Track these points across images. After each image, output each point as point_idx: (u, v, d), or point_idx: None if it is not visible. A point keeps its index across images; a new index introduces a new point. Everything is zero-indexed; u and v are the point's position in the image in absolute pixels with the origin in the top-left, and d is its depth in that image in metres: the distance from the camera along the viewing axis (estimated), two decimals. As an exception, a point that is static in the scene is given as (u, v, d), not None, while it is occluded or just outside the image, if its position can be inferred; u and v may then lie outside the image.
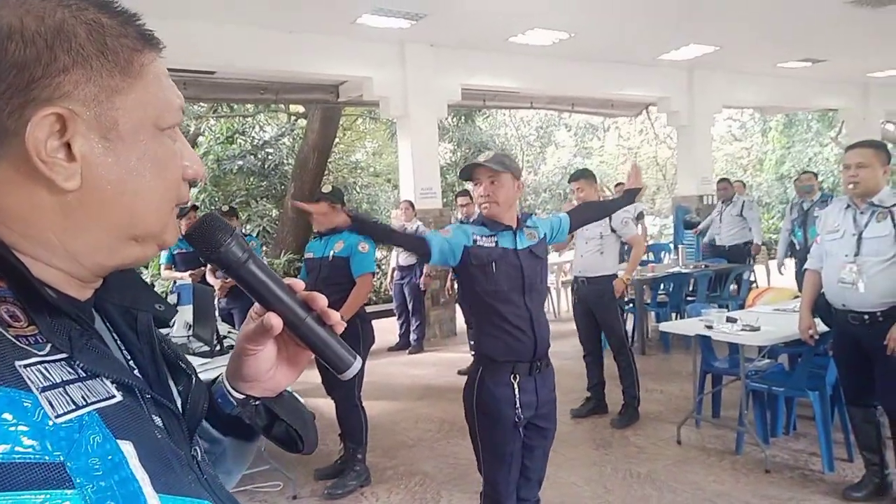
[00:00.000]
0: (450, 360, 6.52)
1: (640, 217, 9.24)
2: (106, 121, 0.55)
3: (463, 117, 13.58)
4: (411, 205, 7.17)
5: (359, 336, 3.66)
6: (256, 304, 0.71)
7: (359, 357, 0.72)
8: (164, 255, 6.02)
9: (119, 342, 0.65)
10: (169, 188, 0.61)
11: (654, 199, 20.21)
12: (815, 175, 7.50)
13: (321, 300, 0.71)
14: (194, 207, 5.98)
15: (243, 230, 6.92)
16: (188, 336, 4.13)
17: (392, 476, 3.90)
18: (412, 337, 7.21)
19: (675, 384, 5.44)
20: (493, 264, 2.38)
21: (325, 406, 4.65)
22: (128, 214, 0.57)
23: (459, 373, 6.11)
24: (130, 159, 0.57)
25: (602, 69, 8.89)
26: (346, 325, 2.73)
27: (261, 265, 0.69)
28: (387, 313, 8.03)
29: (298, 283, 0.71)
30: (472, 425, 2.48)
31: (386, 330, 7.27)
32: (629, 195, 3.09)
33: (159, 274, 7.51)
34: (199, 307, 4.08)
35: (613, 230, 4.69)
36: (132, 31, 0.58)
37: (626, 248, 5.50)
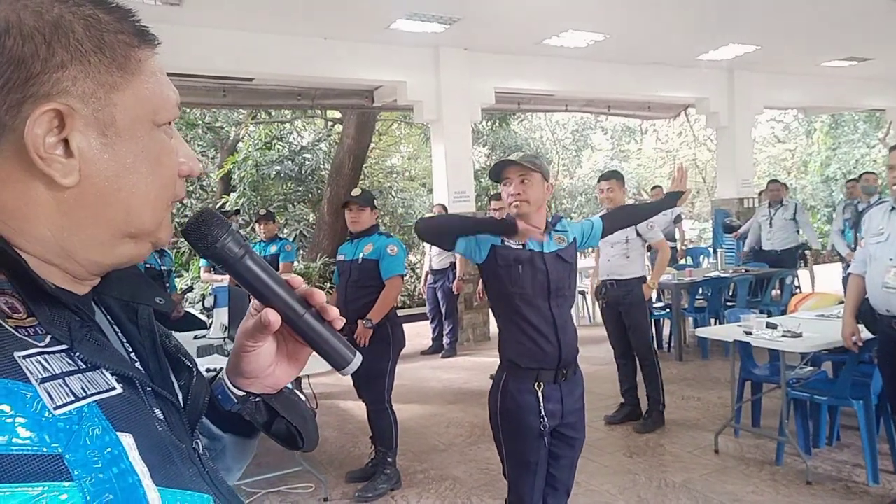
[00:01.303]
0: (482, 364, 6.48)
1: (678, 220, 9.08)
2: (104, 117, 0.55)
3: (497, 121, 13.56)
4: (445, 208, 7.18)
5: (389, 339, 3.67)
6: (255, 301, 0.70)
7: (359, 354, 0.71)
8: (203, 258, 6.15)
9: (120, 335, 0.65)
10: (165, 184, 0.60)
11: (693, 203, 19.86)
12: (878, 176, 7.26)
13: (319, 296, 0.70)
14: (236, 212, 6.08)
15: (280, 234, 7.00)
16: (224, 338, 4.21)
17: (422, 480, 3.89)
18: (445, 341, 7.20)
19: (713, 391, 5.31)
20: (520, 266, 2.33)
21: (356, 409, 4.68)
22: (124, 211, 0.57)
23: (491, 377, 6.06)
24: (128, 155, 0.57)
25: (638, 71, 8.77)
26: (375, 327, 2.73)
27: (258, 261, 0.68)
28: (420, 317, 8.04)
29: (296, 279, 0.71)
30: (496, 432, 2.45)
31: (419, 334, 7.29)
32: (670, 198, 2.91)
33: (199, 277, 7.68)
34: (235, 309, 4.15)
35: (639, 234, 4.62)
36: (128, 27, 0.58)
37: (650, 252, 5.40)
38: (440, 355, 7.13)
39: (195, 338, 4.29)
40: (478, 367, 6.49)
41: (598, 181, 4.76)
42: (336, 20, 6.42)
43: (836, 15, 7.00)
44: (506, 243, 2.37)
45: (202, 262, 6.21)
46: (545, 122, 17.45)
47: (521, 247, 2.37)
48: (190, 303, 7.38)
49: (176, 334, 0.76)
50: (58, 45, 0.53)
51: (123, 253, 0.60)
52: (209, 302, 4.72)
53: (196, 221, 0.66)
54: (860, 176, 7.38)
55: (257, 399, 0.77)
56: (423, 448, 4.38)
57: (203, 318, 5.49)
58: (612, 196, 4.54)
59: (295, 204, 11.82)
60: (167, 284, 5.33)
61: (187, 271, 10.08)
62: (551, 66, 8.17)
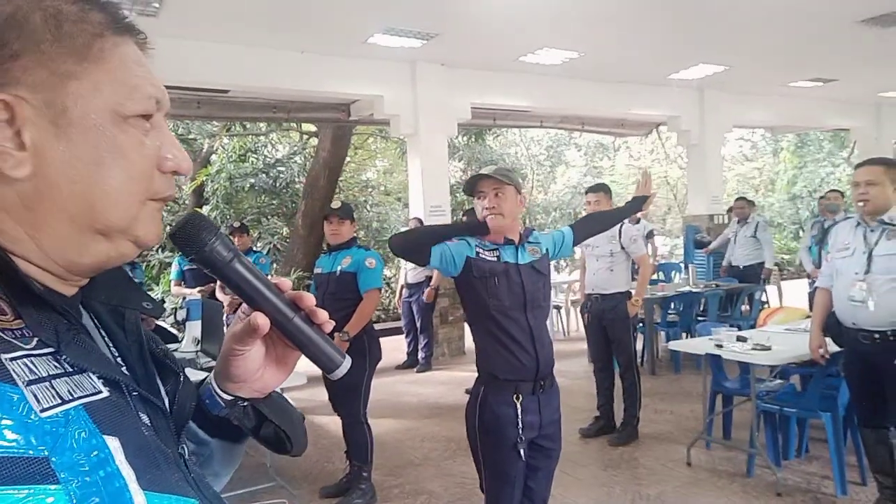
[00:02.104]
0: (458, 378, 6.47)
1: (650, 236, 9.21)
2: (56, 106, 0.54)
3: (473, 136, 13.65)
4: (420, 222, 7.19)
5: (365, 352, 3.65)
6: (244, 305, 0.70)
7: (348, 357, 0.71)
8: (173, 271, 6.06)
9: (107, 339, 0.64)
10: (133, 179, 0.58)
11: (664, 219, 20.15)
12: (842, 194, 7.45)
13: (309, 299, 0.70)
14: (244, 227, 6.00)
15: (254, 247, 6.94)
16: (196, 351, 4.15)
17: (398, 495, 3.87)
18: (420, 355, 7.18)
19: (685, 405, 5.37)
20: (496, 279, 2.35)
21: (331, 423, 4.63)
22: (85, 205, 0.55)
23: (467, 392, 6.06)
24: (84, 147, 0.55)
25: (612, 88, 8.93)
26: (351, 340, 2.72)
27: (247, 265, 0.68)
28: (395, 331, 8.01)
29: (285, 283, 0.71)
30: (473, 444, 2.45)
31: (395, 348, 7.25)
32: (636, 202, 2.97)
33: (169, 290, 7.57)
34: (207, 322, 4.10)
35: (623, 247, 4.67)
36: (97, 17, 0.57)
37: (636, 266, 5.47)
38: (415, 370, 7.10)
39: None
40: (453, 381, 6.48)
41: (586, 193, 4.80)
42: (313, 34, 6.43)
43: (803, 36, 7.21)
44: (481, 255, 2.39)
45: (172, 275, 6.13)
46: (520, 137, 17.59)
47: (495, 259, 2.39)
48: (161, 317, 7.27)
49: None
50: (11, 36, 0.52)
51: (99, 251, 0.58)
52: (181, 315, 4.66)
53: (184, 225, 0.66)
54: (826, 193, 7.57)
55: (245, 404, 0.76)
56: (399, 462, 4.36)
57: (175, 331, 5.41)
58: (598, 209, 4.59)
59: (269, 217, 11.72)
60: (138, 297, 5.23)
61: (157, 285, 9.92)
62: (527, 82, 8.27)
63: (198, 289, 5.59)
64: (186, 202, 12.44)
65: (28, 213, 0.54)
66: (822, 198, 8.05)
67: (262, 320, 0.67)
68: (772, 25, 6.74)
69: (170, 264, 8.12)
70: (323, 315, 0.70)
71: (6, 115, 0.52)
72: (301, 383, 3.36)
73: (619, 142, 18.53)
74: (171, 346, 4.34)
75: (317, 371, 0.74)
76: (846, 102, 11.21)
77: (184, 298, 5.72)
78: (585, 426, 4.76)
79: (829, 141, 17.41)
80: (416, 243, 2.47)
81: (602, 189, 4.70)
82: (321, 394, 4.04)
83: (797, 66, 8.69)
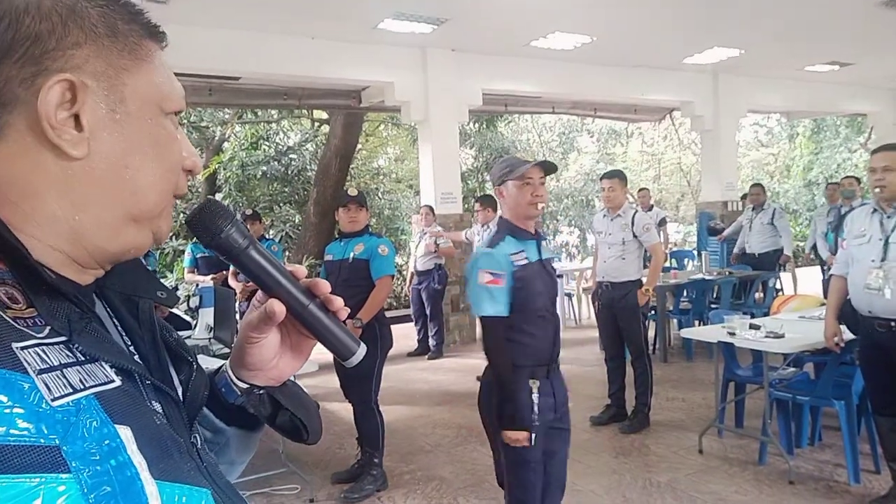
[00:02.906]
0: (469, 365, 6.49)
1: (662, 223, 9.15)
2: (114, 95, 0.57)
3: (485, 123, 13.58)
4: (431, 210, 7.19)
5: (377, 339, 3.65)
6: (259, 292, 0.71)
7: (363, 344, 0.71)
8: (187, 259, 6.10)
9: (119, 328, 0.65)
10: (169, 171, 0.62)
11: (678, 206, 20.00)
12: (858, 180, 7.35)
13: (324, 286, 0.70)
14: (256, 214, 6.03)
15: (266, 235, 6.96)
16: (209, 338, 4.18)
17: (409, 481, 3.89)
18: (431, 342, 7.20)
19: (697, 393, 5.35)
20: (536, 281, 2.38)
21: (342, 410, 4.66)
22: (130, 190, 0.58)
23: (478, 379, 6.07)
24: (135, 135, 0.58)
25: (624, 73, 8.84)
26: (363, 326, 2.73)
27: (262, 252, 0.68)
28: (406, 318, 8.03)
29: (301, 270, 0.71)
30: (492, 434, 2.45)
31: (406, 335, 7.28)
32: None
33: (183, 278, 7.62)
34: (220, 310, 4.13)
35: (636, 236, 4.64)
36: (139, 20, 0.61)
37: (648, 254, 5.44)
38: (427, 357, 7.12)
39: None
40: (465, 368, 6.50)
41: (601, 179, 4.79)
42: (323, 19, 6.41)
43: (820, 19, 7.09)
44: (515, 263, 2.37)
45: (186, 262, 6.17)
46: (532, 124, 17.50)
47: (526, 261, 2.39)
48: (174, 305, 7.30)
49: None
50: (73, 25, 0.55)
51: (127, 240, 0.60)
52: (194, 302, 4.69)
53: (200, 212, 0.66)
54: (841, 179, 7.48)
55: (261, 391, 0.76)
56: (410, 449, 4.38)
57: (188, 318, 5.45)
58: (613, 196, 4.55)
59: (281, 205, 11.76)
60: (151, 285, 5.27)
61: (171, 272, 10.00)
62: (538, 67, 8.21)
63: (210, 276, 5.63)
64: (199, 190, 12.50)
65: (71, 193, 0.56)
66: (833, 183, 7.96)
67: (278, 307, 0.67)
68: (788, 7, 6.64)
69: (183, 252, 8.17)
70: (338, 302, 0.70)
71: (69, 95, 0.54)
72: (312, 370, 3.37)
73: (632, 128, 18.38)
74: (184, 334, 4.38)
75: (328, 358, 0.74)
76: (863, 86, 11.03)
77: (196, 286, 5.76)
78: (596, 414, 4.75)
79: (845, 126, 17.17)
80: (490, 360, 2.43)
81: (617, 175, 4.66)
82: (333, 381, 4.06)
83: (814, 50, 8.56)
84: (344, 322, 0.71)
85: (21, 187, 0.54)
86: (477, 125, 13.55)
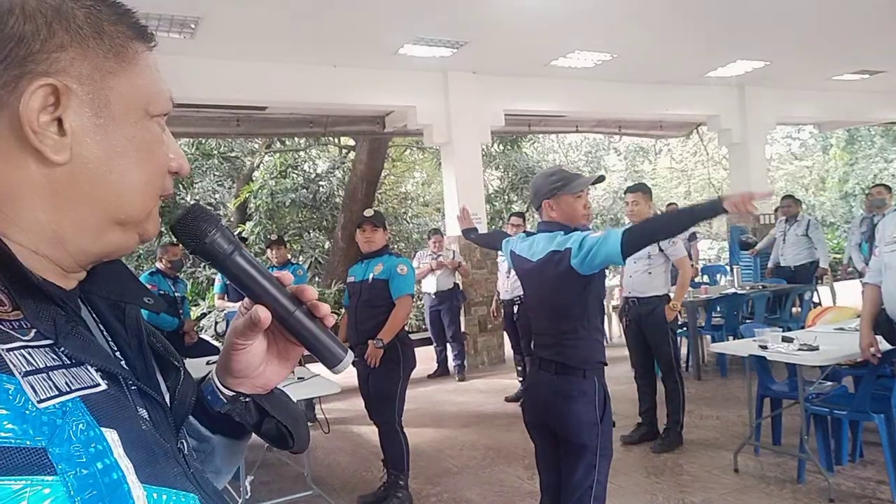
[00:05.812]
0: (498, 386, 6.42)
1: (692, 238, 8.99)
2: (99, 99, 0.56)
3: (509, 143, 13.60)
4: (439, 233, 7.30)
5: (399, 360, 3.65)
6: (246, 299, 0.70)
7: (350, 352, 0.70)
8: (217, 285, 6.20)
9: (106, 333, 0.64)
10: (155, 174, 0.61)
11: (710, 222, 19.67)
12: (889, 189, 7.17)
13: (310, 293, 0.69)
14: (244, 240, 6.13)
15: (293, 260, 7.03)
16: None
17: (436, 503, 3.84)
18: (452, 364, 7.13)
19: (731, 410, 5.20)
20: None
21: (369, 433, 4.64)
22: (115, 194, 0.58)
23: (507, 400, 6.01)
24: (120, 139, 0.58)
25: (647, 89, 8.79)
26: (385, 347, 2.73)
27: (248, 258, 0.67)
28: (428, 341, 8.00)
29: (287, 277, 0.70)
30: (592, 444, 2.39)
31: (430, 358, 7.24)
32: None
33: (214, 305, 7.74)
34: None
35: (661, 250, 4.57)
36: (126, 21, 0.60)
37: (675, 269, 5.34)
38: (457, 378, 7.07)
39: (208, 363, 4.30)
40: (493, 389, 6.43)
41: (625, 193, 4.73)
42: (345, 47, 6.53)
43: (845, 28, 6.98)
44: None
45: (216, 289, 6.26)
46: (558, 144, 17.48)
47: None
48: (203, 329, 7.43)
49: (188, 361, 0.75)
50: (58, 27, 0.55)
51: (111, 241, 0.60)
52: (221, 328, 4.75)
53: (185, 217, 0.66)
54: (871, 189, 7.31)
55: (247, 399, 0.76)
56: (437, 471, 4.33)
57: (216, 343, 5.51)
58: (637, 210, 4.49)
59: (310, 231, 11.90)
60: (181, 311, 5.36)
61: (203, 300, 10.16)
62: (560, 86, 8.22)
63: (240, 303, 5.69)
64: (231, 219, 12.73)
65: (53, 197, 0.55)
66: (868, 194, 7.79)
67: (263, 313, 0.67)
68: (810, 18, 6.55)
69: (215, 279, 8.31)
70: (325, 309, 0.69)
71: (52, 99, 0.54)
72: (335, 392, 3.38)
73: (659, 144, 18.24)
74: (213, 359, 4.42)
75: (352, 382, 0.73)
76: (895, 94, 10.79)
77: (225, 311, 5.84)
78: (628, 433, 4.65)
79: (880, 136, 16.79)
80: (652, 237, 2.47)
81: (640, 189, 4.60)
82: (358, 403, 4.05)
83: (841, 59, 8.41)
84: (333, 329, 0.70)
85: (3, 192, 0.54)
86: (501, 146, 13.58)
